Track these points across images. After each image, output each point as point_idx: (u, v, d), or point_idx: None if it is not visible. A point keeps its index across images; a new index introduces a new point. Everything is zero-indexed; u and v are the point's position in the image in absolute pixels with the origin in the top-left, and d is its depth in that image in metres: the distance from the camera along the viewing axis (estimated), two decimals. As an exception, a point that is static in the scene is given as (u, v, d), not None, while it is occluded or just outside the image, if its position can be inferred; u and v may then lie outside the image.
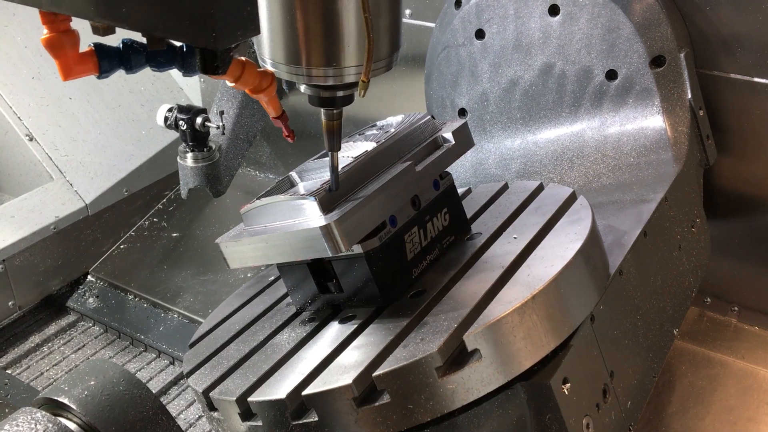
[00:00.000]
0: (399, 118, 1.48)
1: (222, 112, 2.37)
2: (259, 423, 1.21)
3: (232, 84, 1.13)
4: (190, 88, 2.95)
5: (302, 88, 1.12)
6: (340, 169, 1.25)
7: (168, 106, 2.22)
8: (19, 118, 2.57)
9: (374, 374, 1.12)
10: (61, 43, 1.02)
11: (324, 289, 1.34)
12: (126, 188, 2.71)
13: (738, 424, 1.79)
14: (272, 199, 1.26)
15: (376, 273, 1.26)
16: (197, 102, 2.93)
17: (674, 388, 1.89)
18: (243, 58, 1.20)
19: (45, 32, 1.01)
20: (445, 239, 1.42)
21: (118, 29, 1.02)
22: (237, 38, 1.07)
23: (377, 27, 1.04)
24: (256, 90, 1.15)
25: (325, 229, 1.16)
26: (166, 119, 2.20)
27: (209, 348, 1.41)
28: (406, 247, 1.32)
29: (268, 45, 1.04)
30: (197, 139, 2.23)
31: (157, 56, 1.03)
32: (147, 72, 2.88)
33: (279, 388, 1.19)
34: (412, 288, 1.32)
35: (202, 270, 2.56)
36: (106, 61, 1.00)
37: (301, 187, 1.31)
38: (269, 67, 1.06)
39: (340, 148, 1.21)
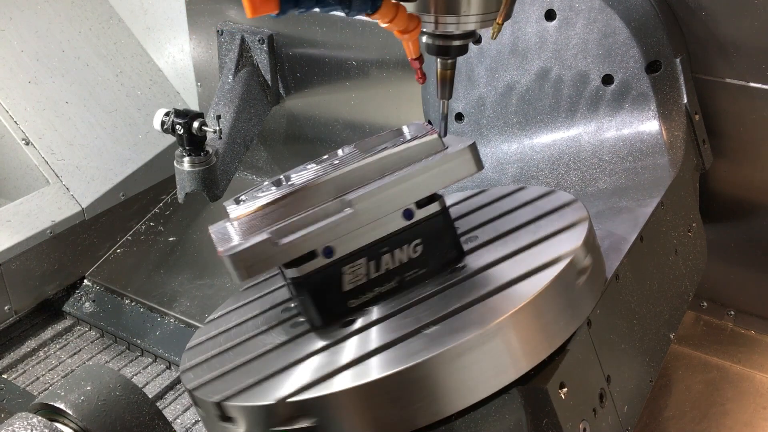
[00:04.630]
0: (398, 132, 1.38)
1: (219, 117, 2.37)
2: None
3: (386, 24, 1.19)
4: (186, 92, 2.96)
5: (423, 38, 1.25)
6: (299, 182, 1.23)
7: (165, 110, 2.22)
8: (15, 122, 2.57)
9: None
10: None
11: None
12: (122, 192, 2.70)
13: (735, 428, 1.79)
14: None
15: (302, 299, 1.23)
16: (194, 106, 2.93)
17: (671, 393, 1.89)
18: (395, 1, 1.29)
19: None
20: (410, 272, 1.27)
21: None
22: None
23: None
24: (405, 31, 1.22)
25: (225, 259, 1.14)
26: (162, 123, 2.20)
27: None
28: (344, 278, 1.23)
29: None
30: (194, 143, 2.22)
31: None
32: (144, 76, 2.90)
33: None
34: (350, 315, 1.25)
35: (198, 274, 2.56)
36: (284, 1, 1.07)
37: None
38: None
39: (451, 97, 1.32)
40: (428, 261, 1.28)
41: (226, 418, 1.21)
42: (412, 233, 1.25)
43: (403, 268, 1.26)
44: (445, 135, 1.33)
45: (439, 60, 1.29)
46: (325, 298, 1.23)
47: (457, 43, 1.25)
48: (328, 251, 1.20)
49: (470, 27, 1.22)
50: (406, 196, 1.23)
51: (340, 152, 1.38)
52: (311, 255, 1.19)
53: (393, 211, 1.22)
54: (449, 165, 1.23)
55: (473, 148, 1.25)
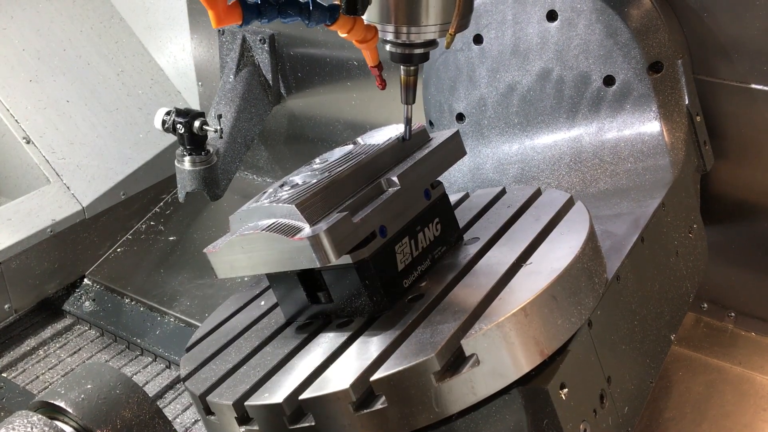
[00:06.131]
0: (387, 129, 1.46)
1: (220, 116, 2.37)
2: (256, 427, 1.21)
3: (345, 35, 1.27)
4: (187, 91, 2.96)
5: (387, 46, 1.31)
6: (322, 182, 1.26)
7: (166, 109, 2.22)
8: (16, 120, 2.57)
9: (372, 379, 1.12)
10: None
11: (314, 300, 1.32)
12: (123, 191, 2.70)
13: (735, 430, 1.79)
14: (257, 205, 1.24)
15: (367, 283, 1.25)
16: (195, 105, 2.93)
17: (671, 394, 1.89)
18: None
19: None
20: (436, 249, 1.40)
21: None
22: None
23: None
24: (362, 41, 1.30)
25: (314, 240, 1.14)
26: (163, 122, 2.20)
27: (206, 352, 1.40)
28: (397, 257, 1.30)
29: None
30: (195, 142, 2.22)
31: (287, 9, 1.18)
32: (145, 75, 2.90)
33: (276, 393, 1.19)
34: (405, 296, 1.31)
35: (198, 274, 2.55)
36: (248, 12, 1.13)
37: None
38: None
39: (414, 102, 1.37)
40: (446, 239, 1.42)
41: (244, 419, 1.21)
42: (432, 212, 1.39)
43: (432, 246, 1.39)
44: (408, 138, 1.40)
45: (402, 67, 1.35)
46: (387, 279, 1.29)
47: (418, 51, 1.31)
48: (383, 230, 1.27)
49: (430, 36, 1.28)
50: (428, 177, 1.38)
51: (339, 150, 1.39)
52: (371, 236, 1.25)
53: (422, 189, 1.36)
54: (449, 148, 1.43)
55: (458, 134, 1.45)
